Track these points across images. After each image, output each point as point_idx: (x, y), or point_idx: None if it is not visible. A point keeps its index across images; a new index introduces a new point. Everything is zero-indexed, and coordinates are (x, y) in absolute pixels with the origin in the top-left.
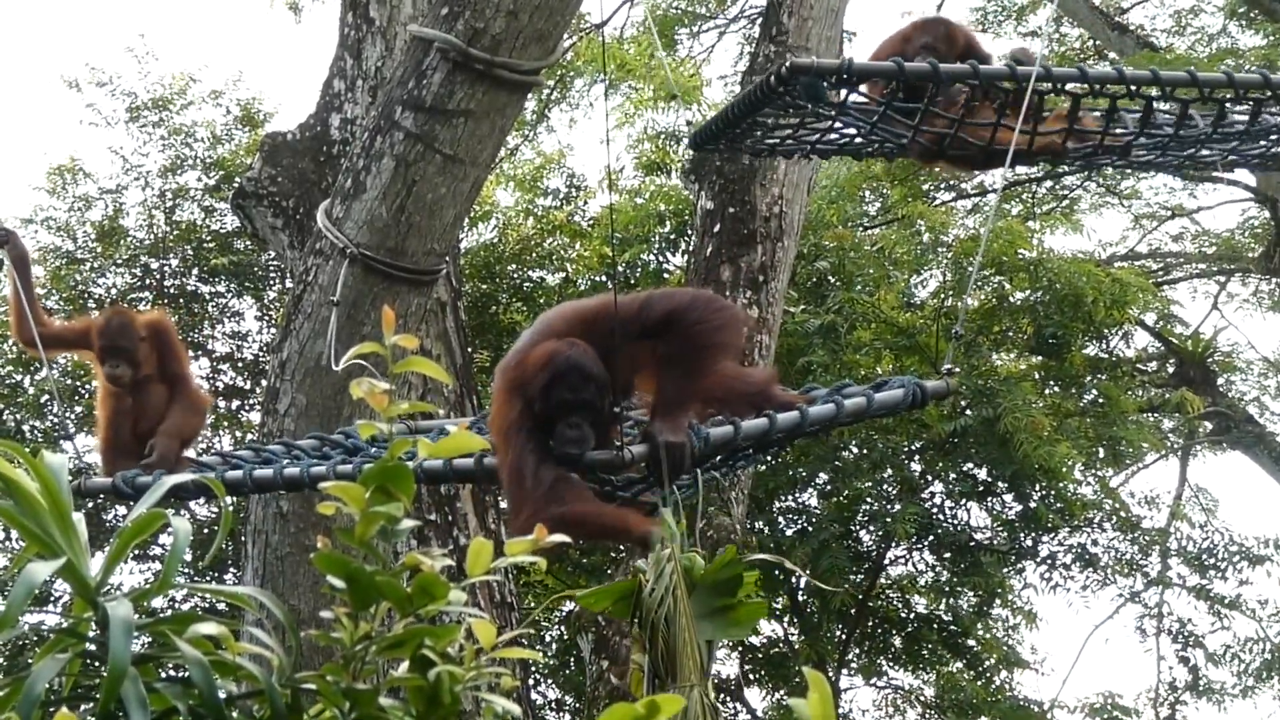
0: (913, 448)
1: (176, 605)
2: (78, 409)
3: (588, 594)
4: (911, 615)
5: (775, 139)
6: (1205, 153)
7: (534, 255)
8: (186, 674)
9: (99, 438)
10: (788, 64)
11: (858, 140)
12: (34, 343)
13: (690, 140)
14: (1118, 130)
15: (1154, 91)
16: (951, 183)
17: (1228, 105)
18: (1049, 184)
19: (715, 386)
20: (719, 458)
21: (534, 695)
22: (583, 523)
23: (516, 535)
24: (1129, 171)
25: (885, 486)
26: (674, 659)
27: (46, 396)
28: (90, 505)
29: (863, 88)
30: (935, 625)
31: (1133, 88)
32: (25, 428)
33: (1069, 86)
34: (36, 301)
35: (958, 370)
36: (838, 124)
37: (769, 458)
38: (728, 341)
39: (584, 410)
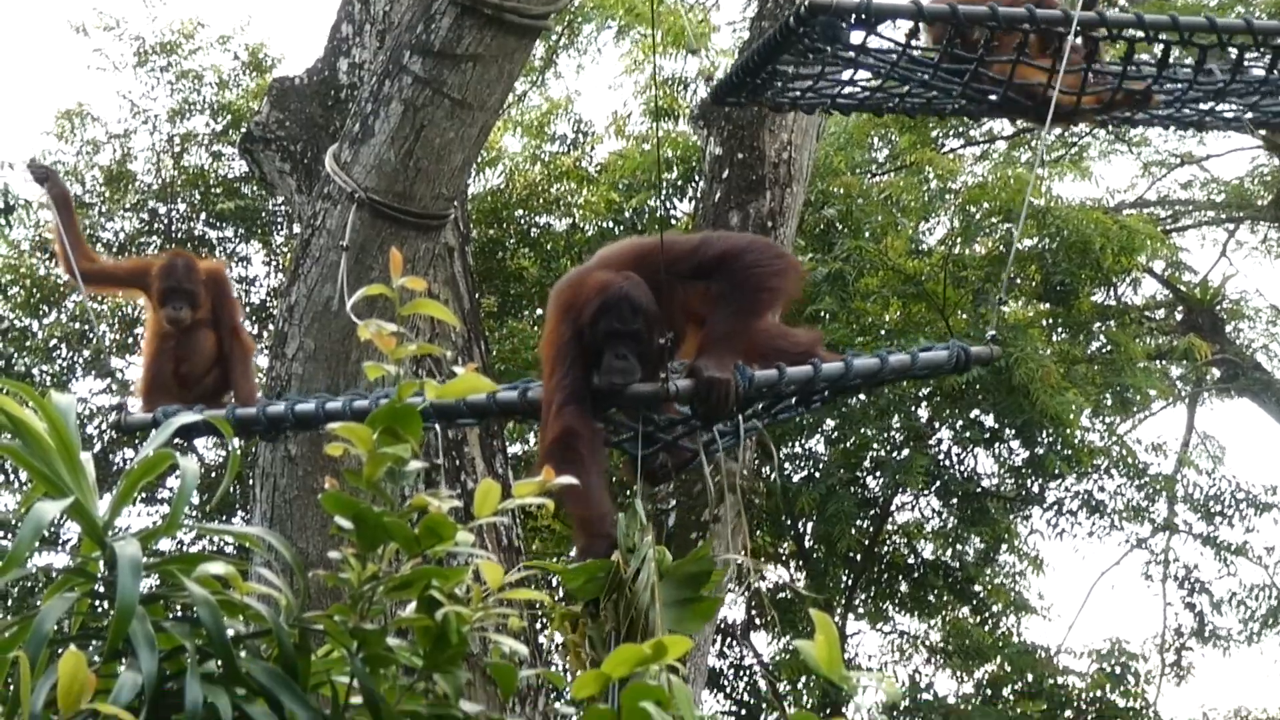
0: (920, 394)
1: (185, 548)
2: (84, 353)
3: (568, 571)
4: (918, 561)
5: (796, 90)
6: (1224, 107)
7: (541, 201)
8: (194, 614)
9: (141, 376)
10: (807, 3)
11: (879, 95)
12: (86, 277)
13: (712, 94)
14: (1136, 78)
15: (1172, 38)
16: (960, 130)
17: (1246, 54)
18: (1058, 131)
19: (762, 338)
20: (761, 405)
21: (540, 639)
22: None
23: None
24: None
25: (893, 433)
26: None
27: (57, 340)
28: (98, 447)
29: (922, 37)
30: (942, 571)
31: (1150, 33)
32: (35, 372)
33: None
34: (81, 237)
35: (1001, 338)
36: (858, 73)
37: (808, 411)
38: (781, 287)
39: (631, 341)
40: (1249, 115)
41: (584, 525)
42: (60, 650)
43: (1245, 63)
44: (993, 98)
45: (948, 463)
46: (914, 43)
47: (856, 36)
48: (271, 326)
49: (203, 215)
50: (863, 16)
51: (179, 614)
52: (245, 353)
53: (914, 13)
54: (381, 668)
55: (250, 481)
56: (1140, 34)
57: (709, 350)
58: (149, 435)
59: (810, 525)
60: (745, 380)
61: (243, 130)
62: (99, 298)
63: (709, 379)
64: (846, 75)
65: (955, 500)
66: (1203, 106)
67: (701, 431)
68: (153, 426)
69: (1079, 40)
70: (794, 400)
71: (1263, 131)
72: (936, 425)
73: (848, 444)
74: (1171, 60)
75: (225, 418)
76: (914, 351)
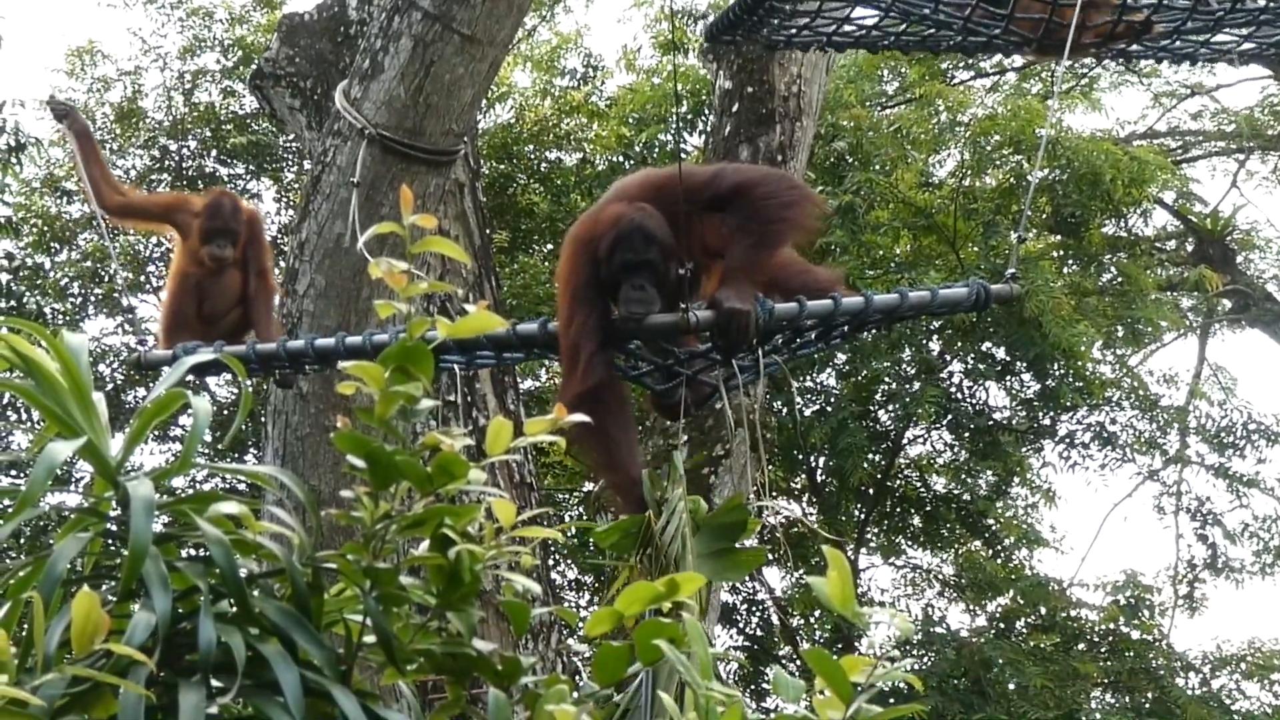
0: (931, 327)
1: (197, 486)
2: (97, 291)
3: (601, 531)
4: (930, 495)
5: (792, 28)
6: (1221, 38)
7: (551, 136)
8: (207, 553)
9: (163, 313)
10: None
11: (874, 33)
12: (114, 210)
13: (706, 32)
14: (1135, 8)
15: None
16: (969, 62)
17: None
18: (1068, 62)
19: (783, 274)
20: (780, 340)
21: (553, 575)
22: (587, 447)
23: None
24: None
25: (904, 366)
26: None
27: (70, 279)
28: (110, 386)
29: None
30: (954, 505)
31: None
32: (47, 310)
33: None
34: (108, 171)
35: (1020, 276)
36: (856, 10)
37: (827, 348)
38: (797, 218)
39: (648, 272)
40: (1245, 46)
41: (619, 489)
42: (74, 590)
43: None
44: (996, 32)
45: (959, 396)
46: None
47: None
48: (283, 263)
49: (213, 152)
50: None
51: (192, 553)
52: (269, 294)
53: None
54: (395, 606)
55: (263, 419)
56: None
57: (729, 282)
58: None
59: (822, 460)
60: (765, 312)
61: (253, 67)
62: (115, 232)
63: (729, 309)
64: (844, 13)
65: (967, 434)
66: (1199, 38)
67: (721, 366)
68: (174, 363)
69: None
70: (813, 336)
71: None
72: (948, 358)
73: (859, 378)
74: None
75: (245, 354)
76: (933, 289)
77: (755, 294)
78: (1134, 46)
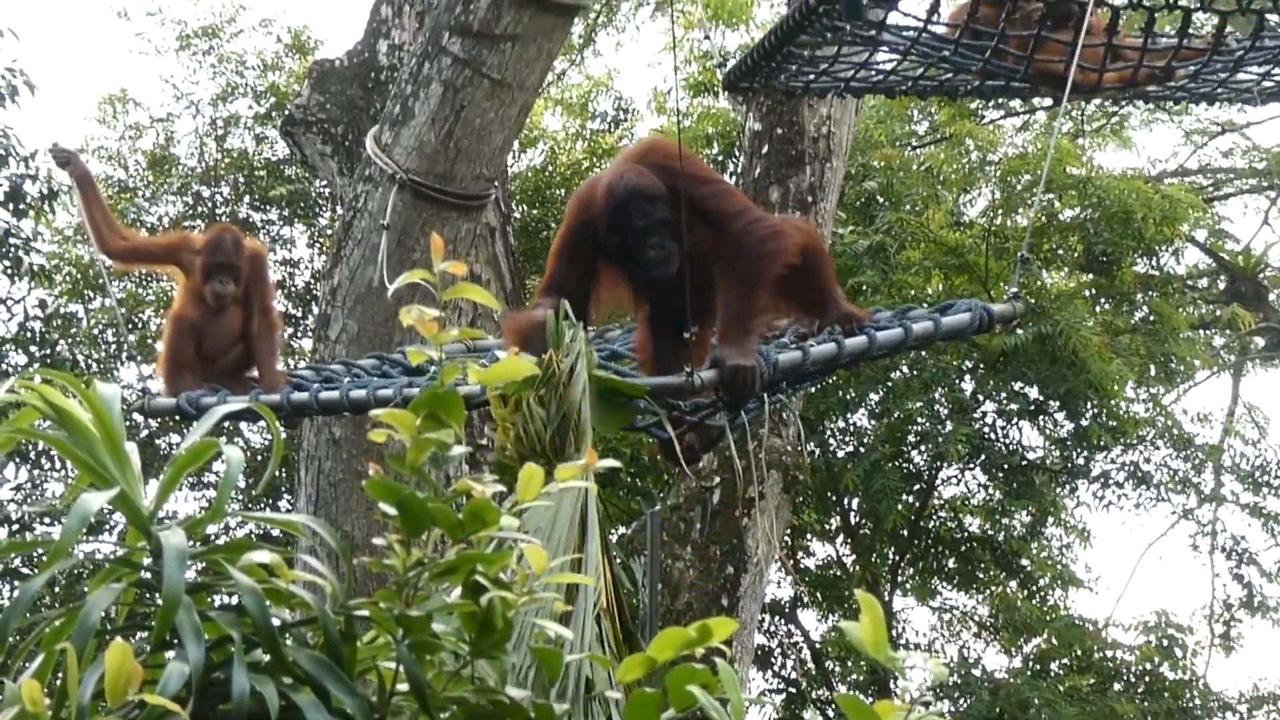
0: (964, 367)
1: (231, 532)
2: (130, 337)
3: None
4: (964, 535)
5: (810, 74)
6: (1243, 75)
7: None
8: (240, 602)
9: (162, 353)
10: None
11: (892, 78)
12: (116, 255)
13: (725, 79)
14: (1155, 50)
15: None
16: (999, 100)
17: (1266, 18)
18: (1097, 101)
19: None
20: (785, 382)
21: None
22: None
23: None
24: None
25: (937, 406)
26: (565, 432)
27: (103, 326)
28: (144, 432)
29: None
30: (988, 545)
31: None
32: (80, 357)
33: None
34: (110, 215)
35: (1023, 294)
36: (875, 55)
37: (828, 378)
38: (777, 250)
39: (661, 229)
40: (1265, 84)
41: (518, 334)
42: (107, 640)
43: (1263, 30)
44: (1015, 82)
45: (992, 436)
46: (934, 19)
47: (877, 14)
48: (315, 309)
49: (246, 198)
50: None
51: (225, 601)
52: (272, 332)
53: None
54: (427, 654)
55: (296, 464)
56: (1161, 1)
57: (728, 336)
58: (185, 420)
59: (856, 501)
60: (769, 365)
61: (284, 113)
62: (144, 285)
63: (733, 367)
64: (861, 58)
65: (1001, 474)
66: (1219, 77)
67: (727, 411)
68: (176, 413)
69: (1098, 13)
70: (815, 372)
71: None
72: (980, 398)
73: (892, 418)
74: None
75: (250, 401)
76: (936, 316)
77: (755, 347)
78: (1154, 89)
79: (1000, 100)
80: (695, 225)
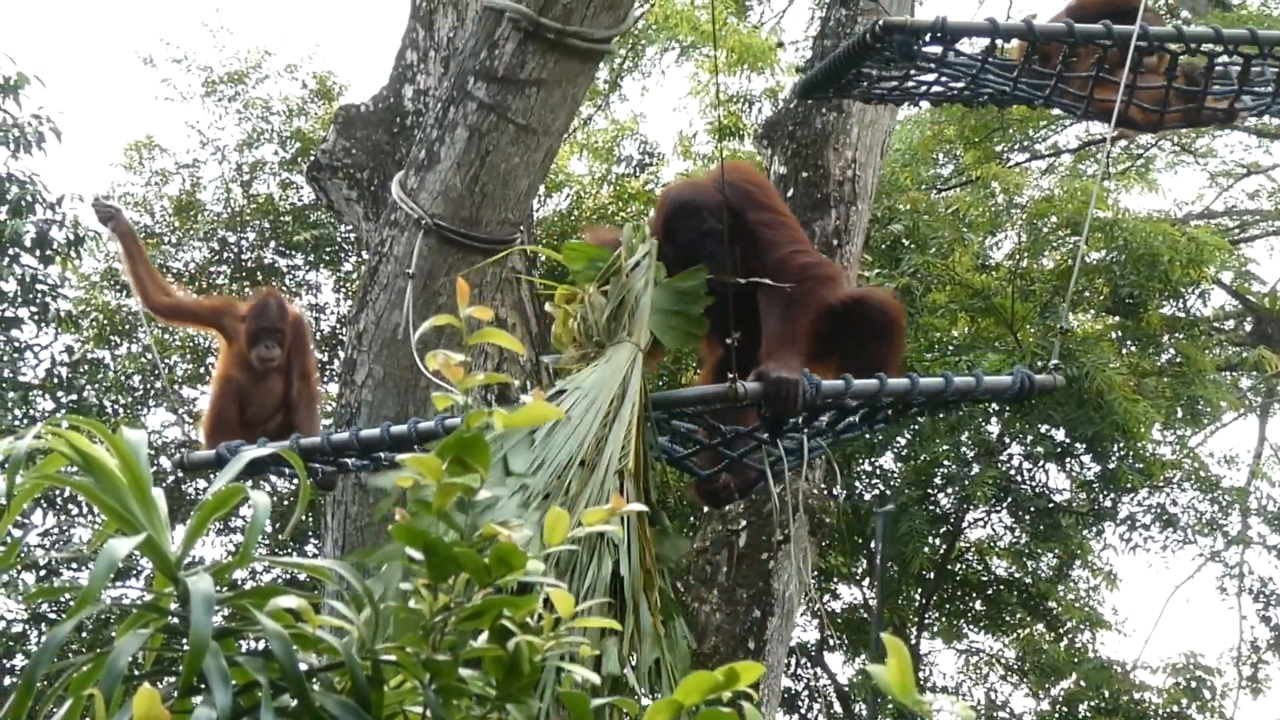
0: (990, 409)
1: (258, 576)
2: (158, 383)
3: (571, 247)
4: (991, 578)
5: (882, 89)
6: None
7: (610, 224)
8: (268, 647)
9: (207, 415)
10: (880, 23)
11: (966, 92)
12: (160, 311)
13: (797, 88)
14: (1215, 94)
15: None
16: (1024, 144)
17: None
18: (1123, 143)
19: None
20: (825, 421)
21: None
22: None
23: None
24: (1205, 130)
25: (963, 449)
26: (621, 316)
27: (130, 372)
28: (171, 478)
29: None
30: (1015, 588)
31: (1229, 46)
32: (107, 402)
33: (1168, 45)
34: (154, 271)
35: (1063, 367)
36: (943, 76)
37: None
38: (821, 275)
39: (709, 240)
40: None
41: (598, 240)
42: (135, 686)
43: None
44: (1075, 110)
45: (1019, 478)
46: (992, 59)
47: (933, 50)
48: (341, 354)
49: (272, 244)
50: (938, 35)
51: (252, 647)
52: (312, 399)
53: (990, 30)
54: (454, 698)
55: (322, 509)
56: (1219, 48)
57: (773, 354)
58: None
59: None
60: (813, 386)
61: (310, 158)
62: (171, 330)
63: (777, 379)
64: (932, 77)
65: (1027, 516)
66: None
67: (767, 444)
68: (216, 465)
69: (1155, 55)
70: (857, 419)
71: None
72: (1007, 440)
73: (918, 460)
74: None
75: (290, 448)
76: (979, 375)
77: (801, 365)
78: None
79: (1028, 142)
80: (742, 246)
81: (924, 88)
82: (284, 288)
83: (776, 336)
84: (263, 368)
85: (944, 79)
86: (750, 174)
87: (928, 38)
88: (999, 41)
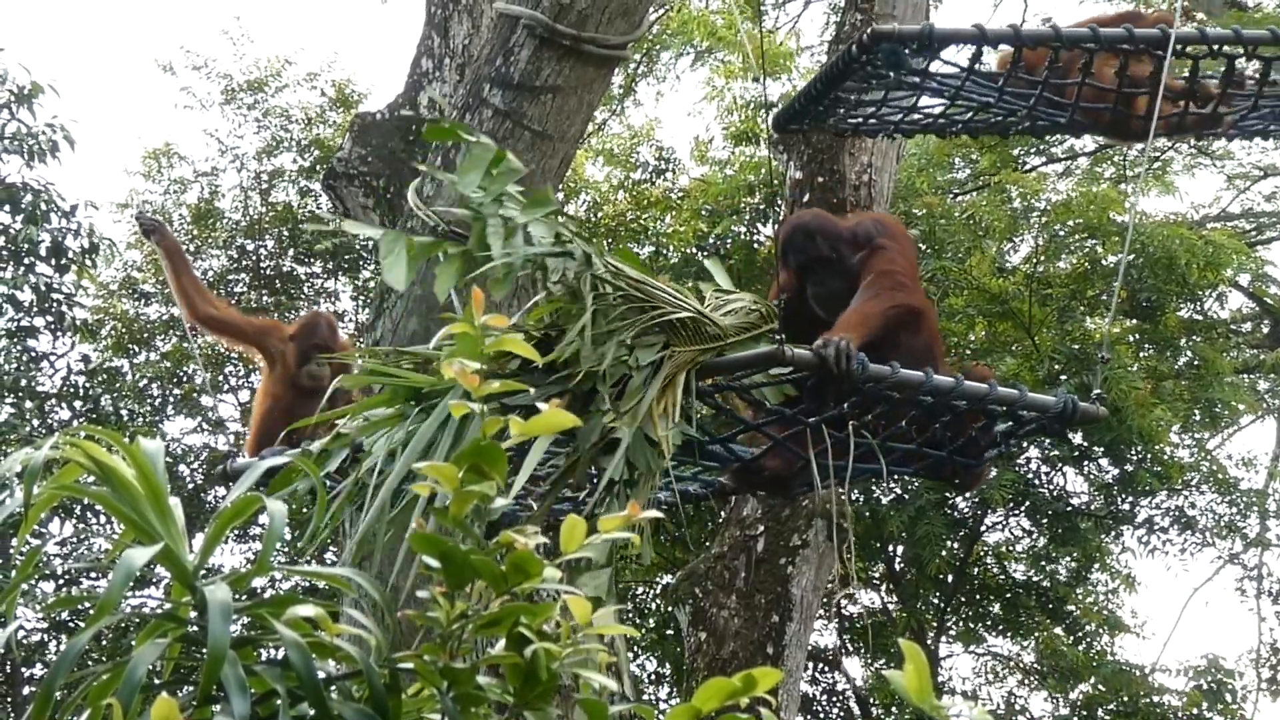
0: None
1: (276, 584)
2: (176, 391)
3: None
4: (1009, 582)
5: (858, 117)
6: None
7: (627, 230)
8: (285, 656)
9: (251, 432)
10: (870, 31)
11: (941, 120)
12: (205, 322)
13: (773, 121)
14: (1235, 92)
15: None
16: (1041, 148)
17: None
18: (1140, 146)
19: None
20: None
21: (632, 667)
22: None
23: None
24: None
25: None
26: None
27: (146, 380)
28: (190, 487)
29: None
30: (1034, 591)
31: (1251, 48)
32: (123, 411)
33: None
34: (199, 283)
35: (1106, 398)
36: (922, 99)
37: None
38: (896, 286)
39: (820, 266)
40: None
41: None
42: (153, 695)
43: None
44: (1060, 120)
45: (1037, 482)
46: (978, 67)
47: (920, 62)
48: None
49: (291, 252)
50: (925, 42)
51: (270, 656)
52: None
53: (977, 37)
54: (472, 706)
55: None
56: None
57: (835, 330)
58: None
59: (900, 548)
60: (860, 365)
61: (326, 166)
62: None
63: (826, 340)
64: (910, 102)
65: (1045, 520)
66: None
67: (812, 417)
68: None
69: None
70: (914, 447)
71: None
72: (1025, 444)
73: None
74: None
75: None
76: (1022, 388)
77: (859, 342)
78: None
79: (1044, 145)
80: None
81: (901, 114)
82: (303, 296)
83: (843, 321)
84: (312, 385)
85: (923, 102)
86: (893, 221)
87: (915, 45)
88: (985, 50)
